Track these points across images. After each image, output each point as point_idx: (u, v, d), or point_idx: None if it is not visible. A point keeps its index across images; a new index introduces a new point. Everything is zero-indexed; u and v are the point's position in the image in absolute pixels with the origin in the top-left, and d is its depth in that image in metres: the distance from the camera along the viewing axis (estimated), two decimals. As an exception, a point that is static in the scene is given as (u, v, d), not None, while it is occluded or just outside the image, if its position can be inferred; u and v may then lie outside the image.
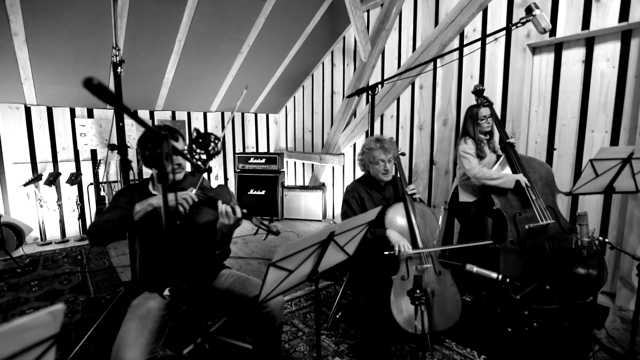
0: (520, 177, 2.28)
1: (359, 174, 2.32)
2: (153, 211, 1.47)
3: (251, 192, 5.02)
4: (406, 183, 2.14)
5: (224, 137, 5.62)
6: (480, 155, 2.60)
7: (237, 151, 5.60)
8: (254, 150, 5.90)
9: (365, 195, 2.20)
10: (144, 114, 4.70)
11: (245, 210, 1.50)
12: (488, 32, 3.10)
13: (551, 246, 2.15)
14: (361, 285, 2.49)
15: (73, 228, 4.34)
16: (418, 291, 1.46)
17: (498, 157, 2.63)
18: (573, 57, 2.75)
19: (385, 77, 4.21)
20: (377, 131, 4.31)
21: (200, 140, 1.26)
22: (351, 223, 1.12)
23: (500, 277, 1.51)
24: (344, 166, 4.87)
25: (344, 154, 4.81)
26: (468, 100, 3.30)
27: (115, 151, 1.96)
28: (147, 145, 1.53)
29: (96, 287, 2.94)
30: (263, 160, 5.06)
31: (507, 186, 2.30)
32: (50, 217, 4.18)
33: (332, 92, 5.00)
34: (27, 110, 3.97)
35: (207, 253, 1.67)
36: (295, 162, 5.76)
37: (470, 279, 1.62)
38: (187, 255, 1.60)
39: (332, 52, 4.93)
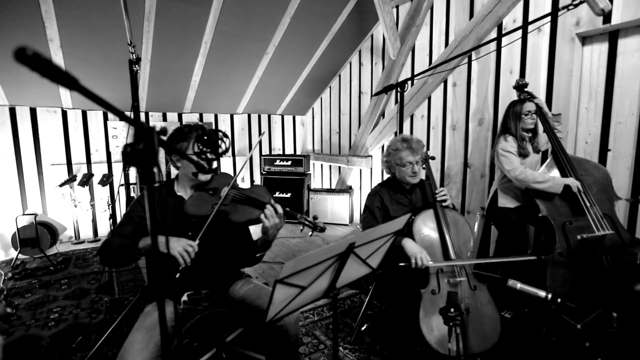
0: (570, 181, 2.02)
1: (387, 176, 2.16)
2: (164, 216, 1.40)
3: (277, 194, 4.95)
4: (436, 187, 1.95)
5: (260, 142, 5.62)
6: (522, 154, 2.35)
7: (263, 153, 5.57)
8: (280, 152, 5.84)
9: (389, 200, 2.04)
10: (172, 117, 4.77)
11: (287, 209, 1.40)
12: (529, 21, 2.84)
13: (609, 260, 1.88)
14: (388, 297, 2.31)
15: (104, 228, 4.46)
16: (452, 310, 1.28)
17: (544, 157, 2.37)
18: (631, 47, 2.44)
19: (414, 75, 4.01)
20: (406, 132, 4.10)
21: (205, 138, 1.17)
22: (375, 233, 0.97)
23: (550, 296, 1.30)
24: (371, 169, 4.69)
25: (371, 156, 4.64)
26: (507, 97, 3.04)
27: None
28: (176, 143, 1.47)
29: (121, 288, 2.95)
30: (289, 163, 4.99)
31: (554, 191, 2.05)
32: (83, 217, 4.31)
33: (360, 92, 4.84)
34: (64, 114, 4.12)
35: (231, 256, 1.58)
36: (321, 165, 5.65)
37: (510, 294, 1.42)
38: (209, 259, 1.51)
39: (360, 51, 4.77)
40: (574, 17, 2.57)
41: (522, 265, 2.28)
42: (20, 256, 3.53)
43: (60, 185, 3.94)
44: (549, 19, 2.70)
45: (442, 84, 3.67)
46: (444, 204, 1.91)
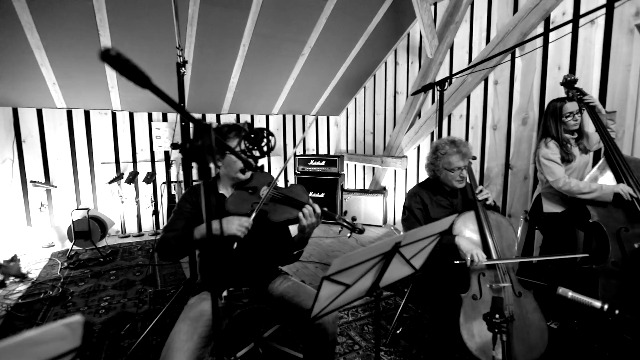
0: (620, 187, 1.87)
1: (423, 177, 2.11)
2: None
3: (310, 194, 4.98)
4: (476, 187, 1.88)
5: (304, 140, 5.71)
6: (566, 159, 2.20)
7: (297, 153, 5.63)
8: (314, 152, 5.89)
9: (429, 201, 1.99)
10: (210, 118, 4.94)
11: (325, 209, 1.42)
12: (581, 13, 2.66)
13: (672, 271, 1.72)
14: (426, 301, 2.26)
15: (148, 223, 4.70)
16: (497, 316, 1.23)
17: (597, 157, 2.21)
18: (701, 38, 2.23)
19: (453, 73, 3.89)
20: (444, 132, 3.99)
21: (252, 136, 1.20)
22: (420, 233, 0.96)
23: (606, 307, 1.21)
24: (406, 169, 4.60)
25: (406, 157, 4.56)
26: (554, 95, 2.88)
27: (178, 150, 2.01)
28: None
29: (163, 281, 3.10)
30: (323, 163, 5.01)
31: (603, 200, 1.92)
32: (129, 213, 4.57)
33: (395, 92, 4.77)
34: (113, 116, 4.40)
35: (270, 254, 1.62)
36: (355, 165, 5.62)
37: (557, 303, 1.34)
38: (249, 256, 1.56)
39: (396, 50, 4.71)
40: (634, 6, 2.39)
41: (569, 274, 2.15)
42: (74, 247, 3.80)
43: (109, 183, 4.20)
44: (603, 10, 2.52)
45: (483, 82, 3.54)
46: (487, 202, 1.84)
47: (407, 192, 2.10)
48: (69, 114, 4.15)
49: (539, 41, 2.95)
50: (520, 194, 3.23)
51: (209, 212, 0.67)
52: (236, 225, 1.37)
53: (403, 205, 2.05)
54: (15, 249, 3.75)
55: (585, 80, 2.66)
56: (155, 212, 4.68)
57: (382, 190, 4.90)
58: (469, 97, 3.71)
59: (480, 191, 1.85)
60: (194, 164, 0.64)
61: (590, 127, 2.24)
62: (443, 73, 3.98)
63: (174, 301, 2.37)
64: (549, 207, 2.34)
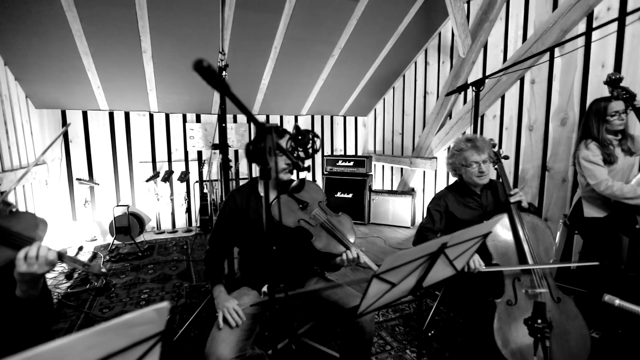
0: None
1: (453, 179, 2.09)
2: (248, 218, 1.55)
3: (338, 194, 5.02)
4: (510, 188, 1.84)
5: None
6: (608, 160, 2.10)
7: (325, 153, 5.68)
8: (342, 153, 5.91)
9: (456, 204, 1.96)
10: (241, 118, 5.07)
11: (366, 260, 1.46)
12: (629, 9, 2.54)
13: None
14: (458, 305, 2.23)
15: (181, 220, 4.89)
16: (540, 321, 1.21)
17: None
18: None
19: (487, 73, 3.80)
20: (473, 133, 3.90)
21: (299, 138, 1.24)
22: (466, 234, 0.97)
23: (657, 316, 1.17)
24: (436, 171, 4.54)
25: (436, 158, 4.49)
26: (596, 94, 2.76)
27: (217, 150, 2.10)
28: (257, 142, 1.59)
29: (197, 276, 3.22)
30: (351, 163, 5.02)
31: None
32: (164, 210, 4.77)
33: (425, 92, 4.72)
34: (151, 117, 4.61)
35: (304, 254, 1.67)
36: (383, 166, 5.60)
37: (599, 311, 1.29)
38: (285, 255, 1.61)
39: (426, 50, 4.65)
40: (687, 1, 2.25)
41: (612, 281, 2.06)
42: (115, 242, 4.02)
43: (147, 181, 4.41)
44: (653, 5, 2.39)
45: (518, 82, 3.44)
46: (521, 204, 1.79)
47: (434, 195, 2.09)
48: (111, 115, 4.39)
49: (581, 41, 2.83)
50: (558, 197, 3.11)
51: (269, 220, 0.71)
52: (226, 307, 1.40)
53: (427, 206, 2.05)
54: (61, 242, 4.01)
55: (631, 78, 2.53)
56: (188, 210, 4.86)
57: (410, 192, 4.86)
58: (503, 97, 3.62)
59: (515, 192, 1.80)
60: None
61: (636, 129, 2.13)
62: (476, 72, 3.90)
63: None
64: (590, 212, 2.25)
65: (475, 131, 2.47)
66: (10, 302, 0.96)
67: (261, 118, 5.21)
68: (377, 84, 5.17)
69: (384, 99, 5.55)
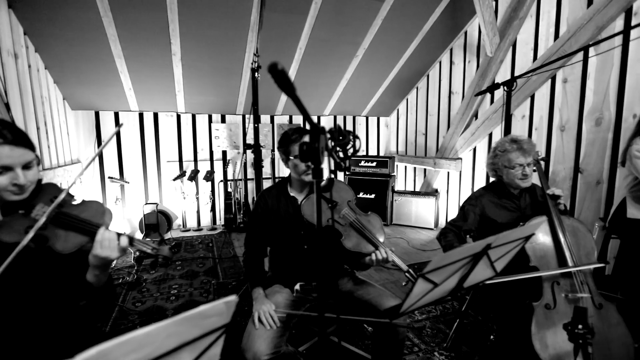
0: None
1: (479, 180, 2.05)
2: (279, 218, 1.60)
3: (361, 195, 5.01)
4: (548, 187, 1.79)
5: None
6: None
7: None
8: (364, 153, 5.89)
9: (493, 206, 1.92)
10: (265, 119, 5.14)
11: (396, 259, 1.46)
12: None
13: None
14: (488, 308, 2.19)
15: (206, 219, 5.00)
16: (581, 327, 1.18)
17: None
18: None
19: (516, 72, 3.71)
20: (501, 134, 3.82)
21: (340, 138, 1.26)
22: (510, 236, 0.96)
23: None
24: (461, 172, 4.47)
25: (461, 159, 4.42)
26: (635, 93, 2.66)
27: (244, 151, 2.14)
28: (287, 143, 1.62)
29: (224, 273, 3.29)
30: (374, 164, 5.01)
31: None
32: (190, 208, 4.89)
33: (450, 92, 4.65)
34: (178, 117, 4.73)
35: (338, 258, 1.68)
36: (405, 166, 5.55)
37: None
38: (317, 254, 1.63)
39: (452, 50, 4.58)
40: None
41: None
42: (145, 239, 4.15)
43: (174, 180, 4.53)
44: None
45: (549, 81, 3.34)
46: (558, 202, 1.74)
47: (470, 194, 2.05)
48: (141, 116, 4.54)
49: (618, 40, 2.72)
50: (592, 199, 3.01)
51: (319, 216, 0.72)
52: (262, 310, 1.43)
53: (462, 205, 2.02)
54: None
55: (674, 76, 2.42)
56: (213, 208, 4.97)
57: (434, 193, 4.79)
58: (532, 97, 3.52)
59: (554, 189, 1.75)
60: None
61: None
62: (504, 72, 3.82)
63: (244, 292, 2.50)
64: (634, 212, 2.15)
65: (507, 131, 2.42)
66: (81, 286, 1.03)
67: (284, 119, 5.27)
68: (401, 84, 5.13)
69: (407, 99, 5.50)
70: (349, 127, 5.75)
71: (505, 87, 2.33)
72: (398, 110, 5.74)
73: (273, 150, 4.87)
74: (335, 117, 5.59)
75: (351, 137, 1.25)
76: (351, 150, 1.28)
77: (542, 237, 1.72)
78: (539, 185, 1.92)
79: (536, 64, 3.41)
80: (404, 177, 5.64)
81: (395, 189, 5.06)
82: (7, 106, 2.64)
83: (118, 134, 4.45)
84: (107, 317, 1.08)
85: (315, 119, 5.48)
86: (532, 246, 1.69)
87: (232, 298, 0.53)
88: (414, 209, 4.78)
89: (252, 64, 2.17)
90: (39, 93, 3.29)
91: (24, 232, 0.93)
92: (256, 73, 2.15)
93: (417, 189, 5.30)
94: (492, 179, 2.04)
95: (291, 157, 1.58)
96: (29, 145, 1.01)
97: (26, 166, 0.99)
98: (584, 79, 3.03)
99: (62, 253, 0.99)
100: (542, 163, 1.96)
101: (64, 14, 2.97)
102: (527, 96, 3.54)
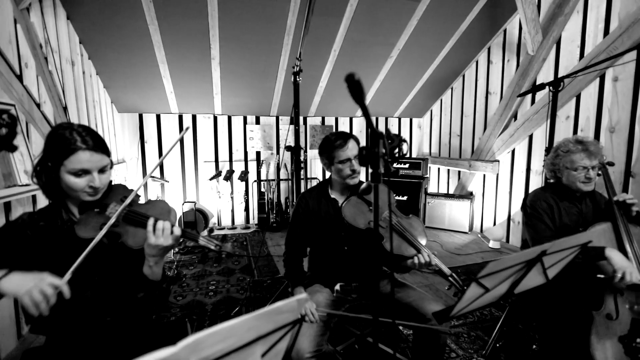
0: None
1: (518, 183, 1.96)
2: (319, 219, 1.65)
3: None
4: (614, 193, 1.69)
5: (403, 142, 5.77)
6: None
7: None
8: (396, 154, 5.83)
9: (555, 208, 1.80)
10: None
11: (437, 262, 1.47)
12: None
13: None
14: (533, 316, 2.12)
15: (240, 217, 5.15)
16: (638, 340, 1.13)
17: None
18: None
19: (559, 71, 3.55)
20: (545, 136, 3.66)
21: (389, 142, 1.27)
22: (566, 243, 0.93)
23: None
24: (498, 174, 4.32)
25: (498, 161, 4.28)
26: (698, 92, 2.47)
27: (285, 150, 2.19)
28: (328, 150, 1.65)
29: (259, 271, 3.38)
30: (406, 165, 4.95)
31: None
32: (225, 207, 5.06)
33: (487, 92, 4.51)
34: (215, 119, 4.91)
35: (374, 256, 1.69)
36: (439, 168, 5.44)
37: None
38: (359, 256, 1.66)
39: (489, 49, 4.45)
40: None
41: None
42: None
43: (210, 179, 4.70)
44: None
45: (598, 79, 3.17)
46: (632, 209, 1.61)
47: (528, 198, 1.92)
48: (180, 118, 4.75)
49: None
50: (645, 206, 2.82)
51: (376, 214, 0.75)
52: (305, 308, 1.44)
53: (524, 208, 1.90)
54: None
55: None
56: (247, 208, 5.10)
57: (468, 196, 4.67)
58: (578, 96, 3.36)
59: (627, 197, 1.63)
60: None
61: None
62: (546, 71, 3.66)
63: (279, 290, 2.56)
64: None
65: (551, 134, 2.33)
66: (139, 279, 1.12)
67: (317, 120, 5.32)
68: (435, 85, 5.04)
69: (441, 100, 5.39)
70: (381, 129, 5.71)
71: (551, 88, 2.24)
72: (432, 111, 5.64)
73: (305, 151, 4.94)
74: (367, 118, 5.57)
75: (398, 141, 1.26)
76: (403, 153, 1.29)
77: (605, 245, 1.61)
78: (597, 191, 1.82)
79: (583, 63, 3.25)
80: (436, 179, 5.53)
81: (428, 191, 4.98)
82: (65, 109, 2.86)
83: (142, 135, 4.68)
84: (160, 310, 1.17)
85: (347, 120, 5.50)
86: (614, 253, 1.58)
87: (304, 296, 0.57)
88: (448, 212, 4.68)
89: (293, 67, 2.22)
90: (91, 97, 3.53)
91: (99, 229, 1.02)
92: (298, 76, 2.19)
93: (451, 192, 5.18)
94: (520, 182, 1.94)
95: (335, 162, 1.61)
96: (106, 151, 1.11)
97: (101, 170, 1.09)
98: (637, 77, 2.85)
99: (132, 248, 1.08)
100: (608, 167, 1.85)
101: (115, 23, 3.17)
102: (573, 96, 3.38)
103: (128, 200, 1.08)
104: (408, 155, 5.84)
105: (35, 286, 0.88)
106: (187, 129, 1.33)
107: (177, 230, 1.08)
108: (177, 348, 0.41)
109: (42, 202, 2.51)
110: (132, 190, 1.16)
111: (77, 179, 1.04)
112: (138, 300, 1.13)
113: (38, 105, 2.48)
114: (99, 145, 1.08)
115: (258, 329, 0.53)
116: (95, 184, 1.05)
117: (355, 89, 0.65)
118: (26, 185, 2.21)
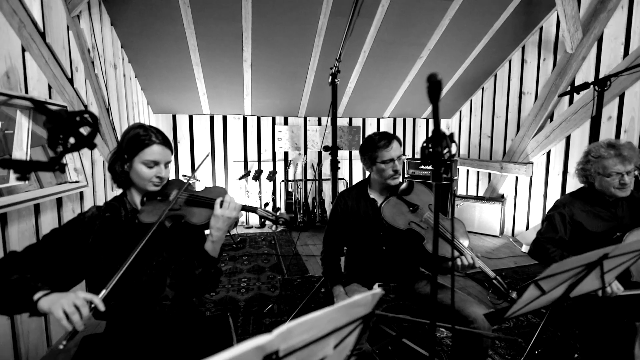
0: None
1: (553, 186, 1.91)
2: (358, 219, 1.66)
3: (419, 198, 4.91)
4: None
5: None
6: None
7: (407, 156, 5.59)
8: (422, 156, 5.76)
9: (584, 214, 1.77)
10: (325, 121, 5.25)
11: (496, 279, 1.47)
12: None
13: None
14: (574, 324, 2.05)
15: (267, 217, 5.22)
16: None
17: None
18: None
19: (601, 69, 3.40)
20: (584, 137, 3.52)
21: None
22: (631, 246, 0.91)
23: None
24: (531, 177, 4.19)
25: (532, 163, 4.15)
26: None
27: (306, 152, 2.21)
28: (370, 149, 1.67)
29: (288, 270, 3.43)
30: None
31: None
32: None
33: (521, 92, 4.38)
34: (244, 120, 5.01)
35: (414, 259, 1.69)
36: (467, 170, 5.33)
37: None
38: (397, 256, 1.66)
39: (524, 47, 4.32)
40: None
41: None
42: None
43: (239, 179, 4.81)
44: None
45: (644, 78, 3.02)
46: None
47: (556, 202, 1.90)
48: (211, 119, 4.88)
49: None
50: (697, 212, 2.66)
51: (436, 218, 0.75)
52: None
53: (547, 214, 1.88)
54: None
55: None
56: (275, 207, 5.18)
57: (499, 198, 4.55)
58: (622, 96, 3.21)
59: None
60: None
61: None
62: (586, 69, 3.52)
63: (316, 290, 2.57)
64: None
65: (593, 135, 2.24)
66: (199, 255, 1.22)
67: (344, 121, 5.33)
68: (465, 85, 4.94)
69: (471, 100, 5.28)
70: (409, 130, 5.66)
71: (596, 87, 2.15)
72: (461, 112, 5.53)
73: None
74: (395, 120, 5.54)
75: (448, 142, 1.26)
76: (447, 155, 1.29)
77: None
78: (635, 191, 1.75)
79: (628, 61, 3.11)
80: (465, 181, 5.42)
81: (457, 193, 4.89)
82: (108, 111, 3.01)
83: (175, 136, 4.83)
84: (214, 288, 1.27)
85: (374, 121, 5.48)
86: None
87: (378, 291, 0.58)
88: (477, 215, 4.58)
89: (331, 68, 2.25)
90: (131, 99, 3.69)
91: (163, 214, 1.16)
92: (336, 78, 2.22)
93: (481, 194, 5.06)
94: (556, 183, 1.89)
95: (378, 162, 1.62)
96: (171, 149, 1.27)
97: (166, 164, 1.25)
98: (688, 76, 2.71)
99: (197, 225, 1.23)
100: None
101: (153, 28, 3.30)
102: (615, 95, 3.24)
103: (185, 185, 1.29)
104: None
105: (68, 300, 0.89)
106: (207, 155, 1.51)
107: (239, 204, 1.24)
108: (273, 335, 0.44)
109: (89, 197, 2.65)
110: (186, 182, 1.32)
111: (148, 170, 1.19)
112: (196, 277, 1.20)
113: (86, 107, 2.62)
114: (167, 142, 1.25)
115: (336, 321, 0.55)
116: (162, 174, 1.21)
117: (434, 89, 0.67)
118: (75, 182, 2.35)
